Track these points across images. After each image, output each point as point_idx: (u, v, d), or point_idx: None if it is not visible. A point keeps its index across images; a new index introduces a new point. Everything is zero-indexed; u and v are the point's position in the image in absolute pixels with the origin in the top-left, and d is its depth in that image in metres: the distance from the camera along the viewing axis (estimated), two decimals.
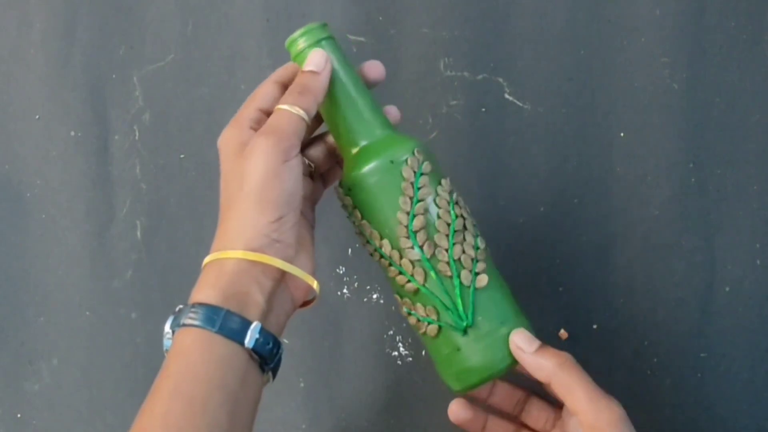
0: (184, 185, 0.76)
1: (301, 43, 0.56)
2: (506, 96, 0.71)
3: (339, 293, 0.73)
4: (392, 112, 0.60)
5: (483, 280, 0.55)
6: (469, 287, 0.55)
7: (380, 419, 0.72)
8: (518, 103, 0.70)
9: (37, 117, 0.79)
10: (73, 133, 0.78)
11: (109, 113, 0.77)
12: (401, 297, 0.57)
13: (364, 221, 0.56)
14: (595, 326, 0.69)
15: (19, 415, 0.78)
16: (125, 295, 0.77)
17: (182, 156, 0.76)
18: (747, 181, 0.68)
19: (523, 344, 0.55)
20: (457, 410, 0.60)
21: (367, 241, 0.57)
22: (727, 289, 0.68)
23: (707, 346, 0.68)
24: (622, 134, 0.69)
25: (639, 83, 0.69)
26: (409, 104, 0.72)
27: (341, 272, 0.73)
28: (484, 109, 0.71)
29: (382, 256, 0.56)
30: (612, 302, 0.69)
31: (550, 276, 0.70)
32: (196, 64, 0.76)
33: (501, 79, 0.71)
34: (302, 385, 0.74)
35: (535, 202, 0.70)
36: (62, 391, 0.77)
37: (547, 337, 0.70)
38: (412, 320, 0.57)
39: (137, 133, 0.77)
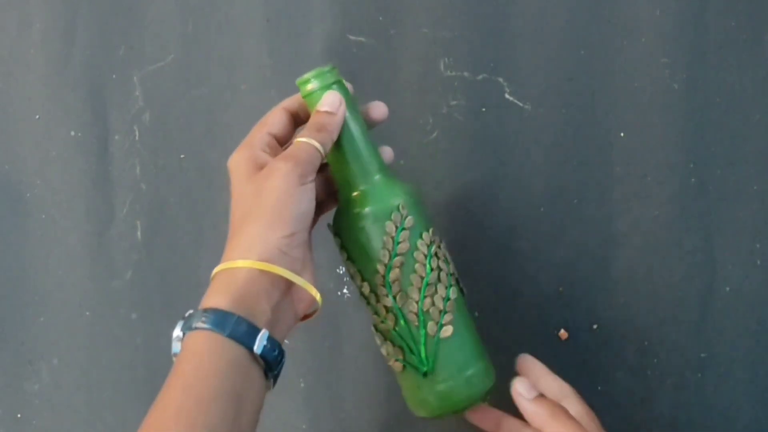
0: (184, 185, 0.76)
1: (312, 85, 0.60)
2: (506, 96, 0.71)
3: (339, 293, 0.73)
4: (386, 153, 0.63)
5: (447, 331, 0.59)
6: (433, 337, 0.59)
7: (380, 419, 0.72)
8: (518, 103, 0.70)
9: (37, 117, 0.79)
10: (73, 133, 0.78)
11: (109, 113, 0.77)
12: (376, 330, 0.62)
13: (348, 261, 0.61)
14: (595, 326, 0.69)
15: (19, 415, 0.78)
16: (125, 295, 0.77)
17: (182, 156, 0.76)
18: (747, 181, 0.68)
19: (523, 391, 0.58)
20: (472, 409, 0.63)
21: (352, 277, 0.62)
22: (727, 289, 0.68)
23: (707, 346, 0.68)
24: (622, 134, 0.69)
25: (639, 83, 0.69)
26: (409, 104, 0.72)
27: (341, 272, 0.73)
28: (484, 109, 0.71)
29: (362, 294, 0.61)
30: (612, 302, 0.69)
31: (550, 276, 0.70)
32: (196, 64, 0.76)
33: (501, 79, 0.71)
34: (302, 385, 0.74)
35: (535, 202, 0.70)
36: (62, 391, 0.78)
37: (547, 337, 0.70)
38: (383, 351, 0.62)
39: (137, 133, 0.77)
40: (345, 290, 0.73)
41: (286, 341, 0.74)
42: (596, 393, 0.69)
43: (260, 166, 0.57)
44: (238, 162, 0.58)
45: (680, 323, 0.68)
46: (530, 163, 0.70)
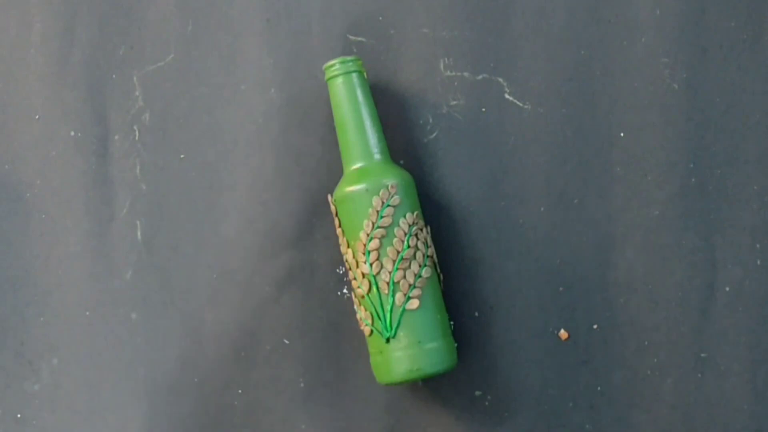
0: (184, 185, 0.76)
1: (335, 70, 0.68)
2: (506, 96, 0.71)
3: (339, 293, 0.73)
4: None
5: (413, 304, 0.66)
6: (400, 307, 0.66)
7: (380, 419, 0.72)
8: (518, 103, 0.70)
9: (37, 117, 0.79)
10: (73, 133, 0.78)
11: (109, 113, 0.77)
12: (354, 296, 0.69)
13: (340, 229, 0.69)
14: (595, 326, 0.69)
15: (19, 415, 0.78)
16: (125, 295, 0.77)
17: (182, 156, 0.76)
18: (747, 181, 0.68)
19: None
20: None
21: (341, 245, 0.69)
22: (727, 289, 0.68)
23: (707, 346, 0.68)
24: (622, 134, 0.69)
25: (639, 83, 0.69)
26: (409, 104, 0.72)
27: (341, 272, 0.73)
28: (484, 109, 0.71)
29: (346, 260, 0.69)
30: (612, 302, 0.69)
31: (550, 276, 0.70)
32: (196, 64, 0.76)
33: (501, 79, 0.71)
34: (302, 385, 0.74)
35: (535, 202, 0.70)
36: (62, 391, 0.78)
37: (547, 337, 0.70)
38: (357, 316, 0.69)
39: (137, 133, 0.77)
40: (345, 290, 0.73)
41: (285, 341, 0.74)
42: (596, 393, 0.69)
43: None
44: None
45: (680, 323, 0.68)
46: (530, 163, 0.70)
